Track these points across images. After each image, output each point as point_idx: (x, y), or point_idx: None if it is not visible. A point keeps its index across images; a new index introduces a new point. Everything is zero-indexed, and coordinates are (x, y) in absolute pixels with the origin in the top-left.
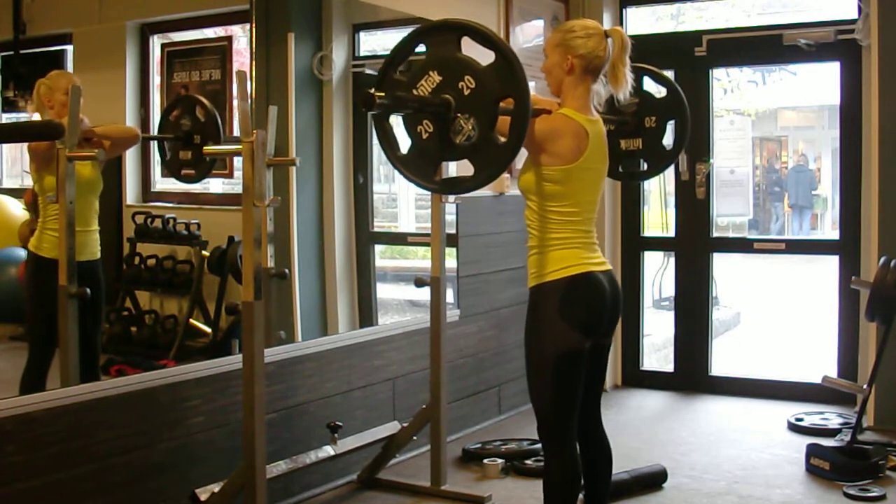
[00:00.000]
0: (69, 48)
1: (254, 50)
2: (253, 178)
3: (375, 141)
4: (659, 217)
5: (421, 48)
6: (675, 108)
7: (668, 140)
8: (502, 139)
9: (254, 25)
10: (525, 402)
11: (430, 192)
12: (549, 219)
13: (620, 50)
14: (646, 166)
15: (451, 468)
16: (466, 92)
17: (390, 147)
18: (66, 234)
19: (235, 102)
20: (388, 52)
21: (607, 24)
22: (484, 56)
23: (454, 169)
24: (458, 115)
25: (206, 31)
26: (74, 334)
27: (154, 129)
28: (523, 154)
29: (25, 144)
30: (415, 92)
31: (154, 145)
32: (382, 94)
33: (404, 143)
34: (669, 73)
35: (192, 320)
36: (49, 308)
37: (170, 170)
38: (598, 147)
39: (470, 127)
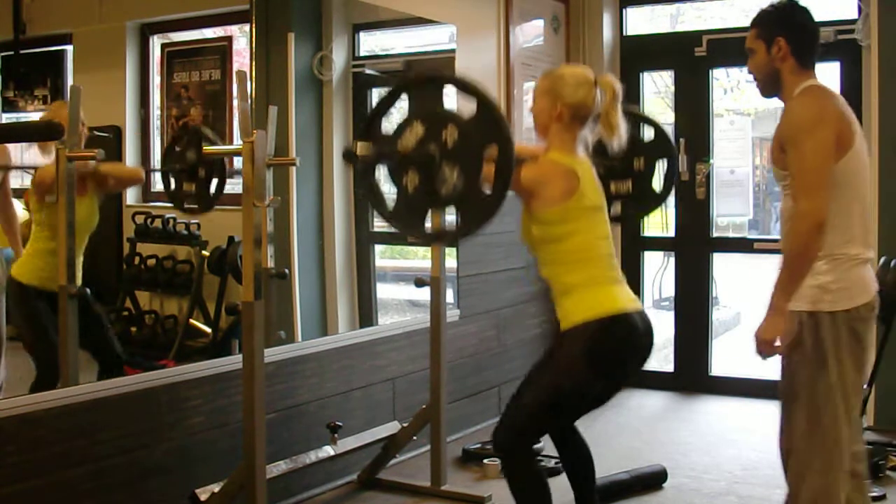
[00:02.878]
0: (69, 48)
1: (254, 50)
2: (253, 178)
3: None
4: (659, 217)
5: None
6: (662, 148)
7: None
8: (489, 188)
9: (254, 25)
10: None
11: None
12: (563, 261)
13: (612, 99)
14: (636, 208)
15: (451, 468)
16: (450, 143)
17: (378, 204)
18: (66, 234)
19: (235, 102)
20: (388, 52)
21: (607, 24)
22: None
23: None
24: (444, 164)
25: (206, 32)
26: (74, 335)
27: (154, 129)
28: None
29: (31, 178)
30: (399, 143)
31: (154, 145)
32: (365, 145)
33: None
34: (669, 74)
35: (192, 320)
36: (40, 330)
37: (173, 202)
38: (589, 182)
39: (454, 177)
